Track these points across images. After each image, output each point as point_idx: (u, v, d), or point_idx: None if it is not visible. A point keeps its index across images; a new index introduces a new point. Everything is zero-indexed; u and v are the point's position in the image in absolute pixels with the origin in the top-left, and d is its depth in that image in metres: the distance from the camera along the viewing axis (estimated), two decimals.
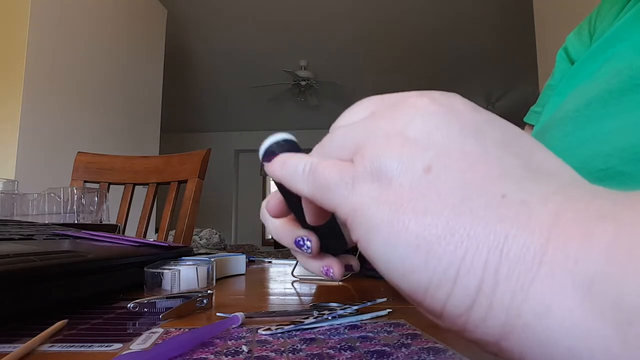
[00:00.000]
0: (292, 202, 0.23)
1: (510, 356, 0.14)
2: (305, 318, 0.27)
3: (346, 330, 0.26)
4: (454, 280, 0.14)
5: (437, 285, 0.15)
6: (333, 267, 0.25)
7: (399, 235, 0.15)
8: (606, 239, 0.12)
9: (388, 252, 0.16)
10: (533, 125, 0.47)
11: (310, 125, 5.89)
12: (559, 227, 0.13)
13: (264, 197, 6.26)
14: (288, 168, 0.20)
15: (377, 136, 0.17)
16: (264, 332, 0.25)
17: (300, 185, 0.19)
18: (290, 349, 0.22)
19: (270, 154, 0.21)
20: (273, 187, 7.01)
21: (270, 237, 6.00)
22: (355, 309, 0.30)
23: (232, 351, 0.22)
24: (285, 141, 0.21)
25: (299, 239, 0.25)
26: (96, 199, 0.87)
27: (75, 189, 0.85)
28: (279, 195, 0.24)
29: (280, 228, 0.26)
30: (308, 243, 0.25)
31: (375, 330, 0.26)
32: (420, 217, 0.15)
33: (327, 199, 0.18)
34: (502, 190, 0.15)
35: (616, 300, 0.11)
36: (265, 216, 0.27)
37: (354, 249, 0.61)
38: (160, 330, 0.27)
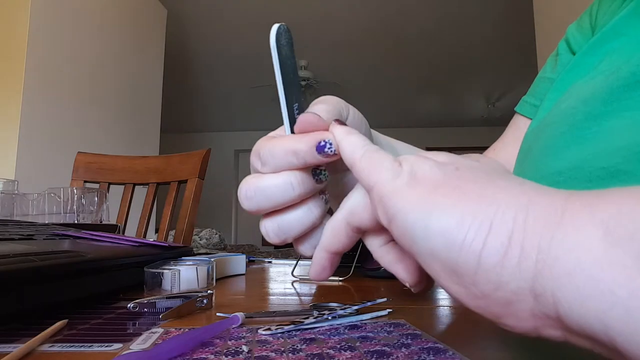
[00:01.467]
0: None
1: (544, 300, 0.15)
2: (305, 318, 0.27)
3: (346, 330, 0.26)
4: (488, 230, 0.16)
5: (472, 237, 0.16)
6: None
7: (435, 202, 0.17)
8: (615, 199, 0.14)
9: (425, 218, 0.17)
10: (524, 116, 0.46)
11: None
12: (573, 196, 0.15)
13: None
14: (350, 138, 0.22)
15: (419, 156, 0.21)
16: (264, 332, 0.25)
17: (353, 156, 0.21)
18: (290, 349, 0.22)
19: (280, 35, 0.22)
20: None
21: None
22: (355, 309, 0.30)
23: (232, 351, 0.22)
24: (287, 30, 0.23)
25: (321, 141, 0.23)
26: (96, 199, 0.87)
27: (75, 189, 0.85)
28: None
29: (291, 139, 0.23)
30: (329, 141, 0.23)
31: (375, 330, 0.26)
32: (454, 190, 0.18)
33: (370, 175, 0.20)
34: (520, 180, 0.18)
35: (633, 233, 0.13)
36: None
37: (354, 249, 0.61)
38: (160, 330, 0.27)
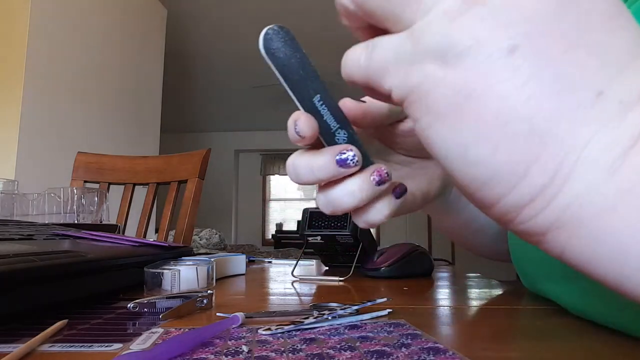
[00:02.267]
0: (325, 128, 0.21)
1: (551, 246, 0.14)
2: (305, 318, 0.27)
3: (346, 330, 0.26)
4: (521, 177, 0.14)
5: (499, 180, 0.14)
6: (382, 166, 0.20)
7: (466, 126, 0.14)
8: None
9: (450, 141, 0.15)
10: None
11: None
12: None
13: (264, 197, 6.28)
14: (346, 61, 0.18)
15: (446, 2, 0.14)
16: (264, 332, 0.25)
17: (357, 74, 0.18)
18: (290, 349, 0.22)
19: (269, 41, 0.20)
20: (273, 187, 6.90)
21: (270, 237, 6.02)
22: (355, 309, 0.30)
23: (232, 351, 0.22)
24: (279, 30, 0.21)
25: (342, 152, 0.20)
26: (96, 199, 0.87)
27: (75, 189, 0.85)
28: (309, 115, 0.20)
29: (310, 155, 0.21)
30: (351, 153, 0.19)
31: (375, 330, 0.26)
32: (494, 107, 0.13)
33: (383, 81, 0.16)
34: (599, 87, 0.13)
35: None
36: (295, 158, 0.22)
37: (354, 249, 0.61)
38: (160, 330, 0.27)
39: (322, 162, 0.20)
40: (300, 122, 0.19)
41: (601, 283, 0.14)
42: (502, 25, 0.13)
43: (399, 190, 0.22)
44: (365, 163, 0.20)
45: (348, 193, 0.20)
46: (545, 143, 0.13)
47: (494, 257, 0.47)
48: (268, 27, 0.20)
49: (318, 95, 0.20)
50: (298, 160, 0.21)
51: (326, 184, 0.21)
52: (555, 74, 0.13)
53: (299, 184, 0.22)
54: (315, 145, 0.21)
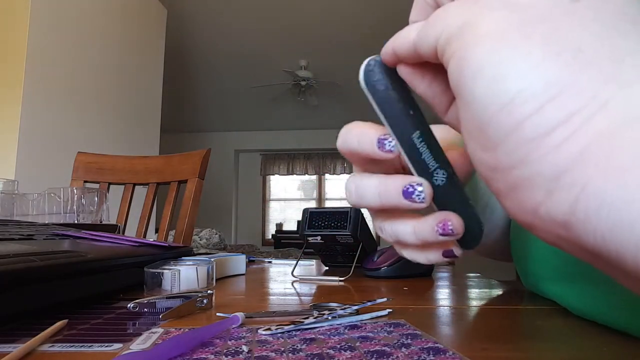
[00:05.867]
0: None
1: (561, 199, 0.13)
2: (305, 318, 0.27)
3: (346, 330, 0.26)
4: (552, 98, 0.13)
5: (529, 95, 0.13)
6: (451, 219, 0.19)
7: (513, 52, 0.14)
8: None
9: (486, 70, 0.14)
10: None
11: (310, 125, 5.88)
12: None
13: (264, 197, 6.27)
14: (400, 39, 0.18)
15: None
16: (264, 332, 0.25)
17: (405, 46, 0.18)
18: (290, 349, 0.22)
19: (370, 73, 0.19)
20: (273, 187, 6.88)
21: (270, 237, 6.02)
22: (355, 309, 0.30)
23: (232, 351, 0.22)
24: (380, 63, 0.19)
25: (408, 185, 0.19)
26: (96, 199, 0.87)
27: (75, 189, 0.85)
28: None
29: (378, 179, 0.20)
30: (419, 188, 0.19)
31: (375, 330, 0.26)
32: (545, 44, 0.13)
33: (430, 32, 0.16)
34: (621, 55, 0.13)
35: None
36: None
37: (353, 249, 0.61)
38: (160, 330, 0.27)
39: (389, 190, 0.20)
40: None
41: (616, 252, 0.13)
42: None
43: (449, 253, 0.21)
44: (458, 206, 0.20)
45: (410, 232, 0.20)
46: (585, 68, 0.13)
47: (495, 256, 0.47)
48: (370, 58, 0.20)
49: (418, 132, 0.19)
50: (365, 182, 0.21)
51: (393, 213, 0.21)
52: (613, 22, 0.13)
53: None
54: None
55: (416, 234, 0.20)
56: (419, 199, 0.19)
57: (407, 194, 0.19)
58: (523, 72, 0.13)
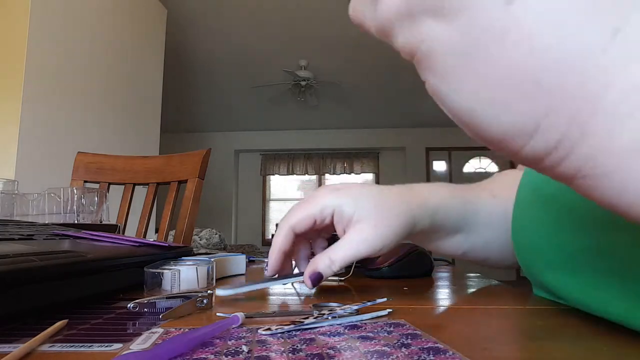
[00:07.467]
0: None
1: (582, 192, 0.14)
2: (305, 318, 0.27)
3: (346, 330, 0.26)
4: (531, 134, 0.13)
5: (512, 137, 0.14)
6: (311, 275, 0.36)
7: (468, 87, 0.14)
8: None
9: (456, 104, 0.14)
10: None
11: (310, 125, 5.88)
12: None
13: (264, 197, 6.28)
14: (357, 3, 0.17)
15: None
16: (264, 332, 0.25)
17: (368, 24, 0.16)
18: (290, 349, 0.22)
19: None
20: (273, 187, 6.88)
21: (270, 237, 6.01)
22: (355, 309, 0.30)
23: (232, 351, 0.22)
24: None
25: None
26: (96, 199, 0.87)
27: (75, 189, 0.85)
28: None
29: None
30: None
31: (375, 330, 0.26)
32: (494, 66, 0.13)
33: (391, 38, 0.15)
34: (616, 22, 0.12)
35: None
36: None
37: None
38: (160, 330, 0.27)
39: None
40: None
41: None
42: None
43: (313, 277, 0.38)
44: None
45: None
46: (554, 98, 0.12)
47: (499, 267, 0.48)
48: None
49: None
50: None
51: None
52: (560, 20, 0.12)
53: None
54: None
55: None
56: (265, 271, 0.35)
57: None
58: (494, 120, 0.14)
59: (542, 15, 0.12)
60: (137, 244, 0.48)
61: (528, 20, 0.12)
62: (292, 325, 0.26)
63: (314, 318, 0.27)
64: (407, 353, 0.21)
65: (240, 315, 0.28)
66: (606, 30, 0.12)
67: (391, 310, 0.31)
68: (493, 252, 0.46)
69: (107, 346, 0.23)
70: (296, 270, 0.44)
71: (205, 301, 0.33)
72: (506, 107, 0.13)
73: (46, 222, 0.74)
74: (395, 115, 5.72)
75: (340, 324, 0.27)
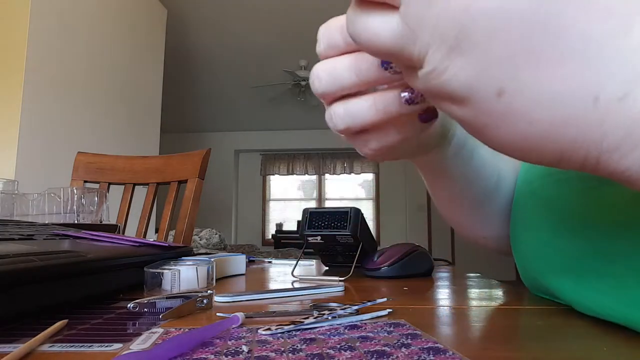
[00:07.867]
0: None
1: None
2: (305, 318, 0.27)
3: (346, 330, 0.26)
4: (558, 162, 0.16)
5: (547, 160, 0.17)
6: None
7: (503, 133, 0.16)
8: None
9: (497, 143, 0.17)
10: None
11: (310, 125, 5.88)
12: None
13: (264, 197, 6.27)
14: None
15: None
16: (264, 332, 0.25)
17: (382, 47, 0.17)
18: (290, 349, 0.22)
19: None
20: (273, 187, 6.88)
21: (270, 237, 6.01)
22: (355, 309, 0.30)
23: (232, 351, 0.22)
24: None
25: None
26: (96, 199, 0.87)
27: (75, 189, 0.85)
28: None
29: (352, 57, 0.20)
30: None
31: (375, 330, 0.26)
32: (508, 135, 0.16)
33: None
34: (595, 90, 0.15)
35: None
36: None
37: (353, 249, 0.61)
38: (160, 330, 0.27)
39: (365, 65, 0.19)
40: None
41: None
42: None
43: (426, 115, 0.20)
44: None
45: (369, 107, 0.20)
46: (563, 146, 0.16)
47: (494, 246, 0.46)
48: None
49: None
50: (338, 63, 0.21)
51: (346, 95, 0.21)
52: (547, 99, 0.15)
53: (324, 92, 0.21)
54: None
55: (376, 105, 0.20)
56: (399, 68, 0.19)
57: (386, 63, 0.19)
58: (529, 154, 0.17)
59: (530, 100, 0.15)
60: (137, 244, 0.48)
61: (517, 104, 0.15)
62: (292, 325, 0.26)
63: (314, 318, 0.27)
64: (407, 353, 0.21)
65: (240, 315, 0.28)
66: (589, 98, 0.14)
67: (391, 310, 0.31)
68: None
69: (107, 346, 0.23)
70: (297, 285, 0.42)
71: (205, 301, 0.33)
72: (533, 149, 0.16)
73: (46, 222, 0.74)
74: None
75: (340, 324, 0.27)
